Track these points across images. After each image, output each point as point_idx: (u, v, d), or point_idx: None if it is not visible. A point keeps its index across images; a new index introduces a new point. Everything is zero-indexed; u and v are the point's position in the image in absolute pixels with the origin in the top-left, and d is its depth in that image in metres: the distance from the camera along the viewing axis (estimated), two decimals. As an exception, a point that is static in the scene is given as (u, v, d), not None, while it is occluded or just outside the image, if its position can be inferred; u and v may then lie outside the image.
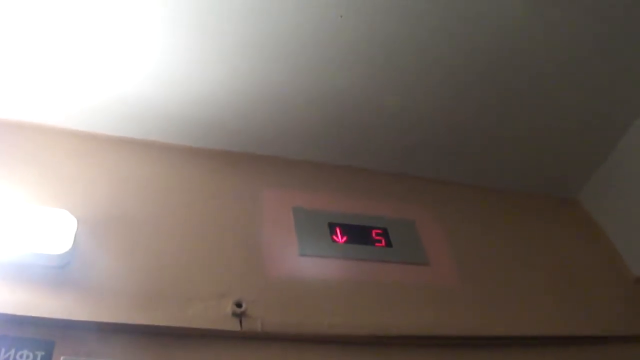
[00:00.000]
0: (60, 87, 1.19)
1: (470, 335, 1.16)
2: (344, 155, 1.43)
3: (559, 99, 1.41)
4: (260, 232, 1.21)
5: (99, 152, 1.24)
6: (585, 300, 1.35)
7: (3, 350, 0.89)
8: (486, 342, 1.18)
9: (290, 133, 1.36)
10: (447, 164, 1.50)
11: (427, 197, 1.45)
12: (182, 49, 1.17)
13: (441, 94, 1.35)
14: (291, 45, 1.20)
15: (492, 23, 1.24)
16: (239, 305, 1.04)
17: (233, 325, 1.02)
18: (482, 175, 1.54)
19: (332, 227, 1.26)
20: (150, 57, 1.18)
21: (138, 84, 1.21)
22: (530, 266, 1.38)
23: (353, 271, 1.20)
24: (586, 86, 1.40)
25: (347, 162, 1.45)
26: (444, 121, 1.41)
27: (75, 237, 1.02)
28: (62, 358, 0.90)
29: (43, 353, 0.90)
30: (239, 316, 1.03)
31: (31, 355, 0.90)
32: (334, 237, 1.25)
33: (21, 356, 0.89)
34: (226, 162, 1.34)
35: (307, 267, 1.18)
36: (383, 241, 1.28)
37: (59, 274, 1.00)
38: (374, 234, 1.28)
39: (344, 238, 1.25)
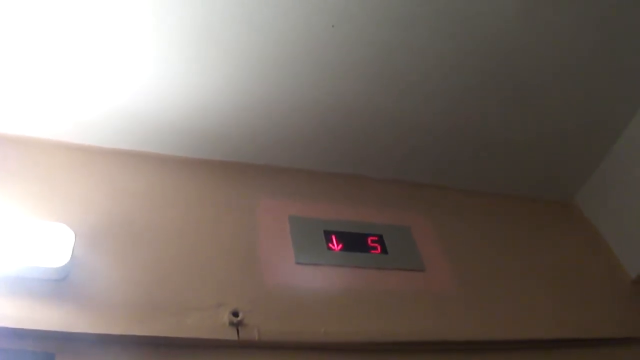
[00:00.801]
0: (54, 101, 1.20)
1: (467, 340, 1.17)
2: (339, 162, 1.44)
3: (554, 103, 1.42)
4: (256, 241, 1.21)
5: (95, 164, 1.25)
6: (583, 302, 1.35)
7: (3, 363, 0.90)
8: (483, 347, 1.18)
9: (285, 141, 1.37)
10: (442, 169, 1.51)
11: (422, 203, 1.46)
12: (176, 60, 1.18)
13: (435, 100, 1.36)
14: (285, 54, 1.21)
15: (485, 31, 1.25)
16: (235, 314, 1.05)
17: (230, 335, 1.02)
18: (477, 180, 1.55)
19: (327, 235, 1.27)
20: (144, 70, 1.19)
21: (132, 96, 1.22)
22: (526, 270, 1.39)
23: (349, 278, 1.21)
24: (581, 90, 1.40)
25: (342, 169, 1.45)
26: (438, 127, 1.41)
27: (73, 250, 1.03)
28: (61, 370, 0.91)
29: (43, 365, 0.91)
30: (236, 325, 1.03)
31: (31, 368, 0.91)
32: (330, 245, 1.25)
33: (21, 369, 0.90)
34: (221, 172, 1.34)
35: (303, 276, 1.18)
36: (379, 248, 1.28)
37: (58, 286, 1.00)
38: (369, 241, 1.29)
39: (340, 245, 1.26)
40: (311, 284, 1.17)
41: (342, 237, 1.27)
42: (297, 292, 1.15)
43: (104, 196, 1.19)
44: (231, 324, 1.04)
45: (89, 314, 0.99)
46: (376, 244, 1.29)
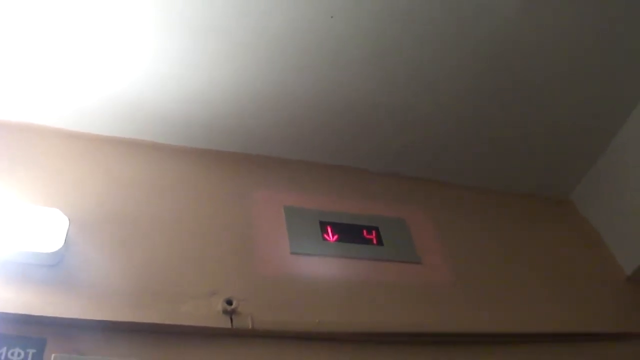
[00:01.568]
0: (51, 88, 1.20)
1: (462, 332, 1.17)
2: (336, 154, 1.44)
3: (551, 101, 1.42)
4: (251, 231, 1.21)
5: (91, 151, 1.25)
6: (578, 298, 1.35)
7: (-6, 347, 0.90)
8: (477, 340, 1.18)
9: (282, 132, 1.36)
10: (438, 164, 1.51)
11: (418, 195, 1.46)
12: (173, 49, 1.18)
13: (433, 94, 1.36)
14: (282, 45, 1.21)
15: (485, 23, 1.25)
16: (229, 302, 1.04)
17: (224, 323, 1.02)
18: (474, 175, 1.55)
19: (323, 226, 1.26)
20: (142, 58, 1.18)
21: (129, 85, 1.21)
22: (522, 265, 1.39)
23: (344, 269, 1.21)
24: (578, 89, 1.41)
25: (339, 161, 1.45)
26: (435, 121, 1.41)
27: (66, 236, 1.03)
28: (53, 356, 0.90)
29: (34, 351, 0.90)
30: (230, 313, 1.03)
31: (23, 353, 0.90)
32: (325, 235, 1.25)
33: (12, 354, 0.90)
34: (218, 161, 1.34)
35: (298, 266, 1.18)
36: (374, 239, 1.28)
37: (51, 272, 1.00)
38: (365, 233, 1.29)
39: (335, 237, 1.26)
40: (306, 274, 1.17)
41: (337, 228, 1.27)
42: (292, 282, 1.15)
43: (99, 183, 1.19)
44: (225, 312, 1.03)
45: (81, 299, 0.98)
46: (372, 236, 1.29)
